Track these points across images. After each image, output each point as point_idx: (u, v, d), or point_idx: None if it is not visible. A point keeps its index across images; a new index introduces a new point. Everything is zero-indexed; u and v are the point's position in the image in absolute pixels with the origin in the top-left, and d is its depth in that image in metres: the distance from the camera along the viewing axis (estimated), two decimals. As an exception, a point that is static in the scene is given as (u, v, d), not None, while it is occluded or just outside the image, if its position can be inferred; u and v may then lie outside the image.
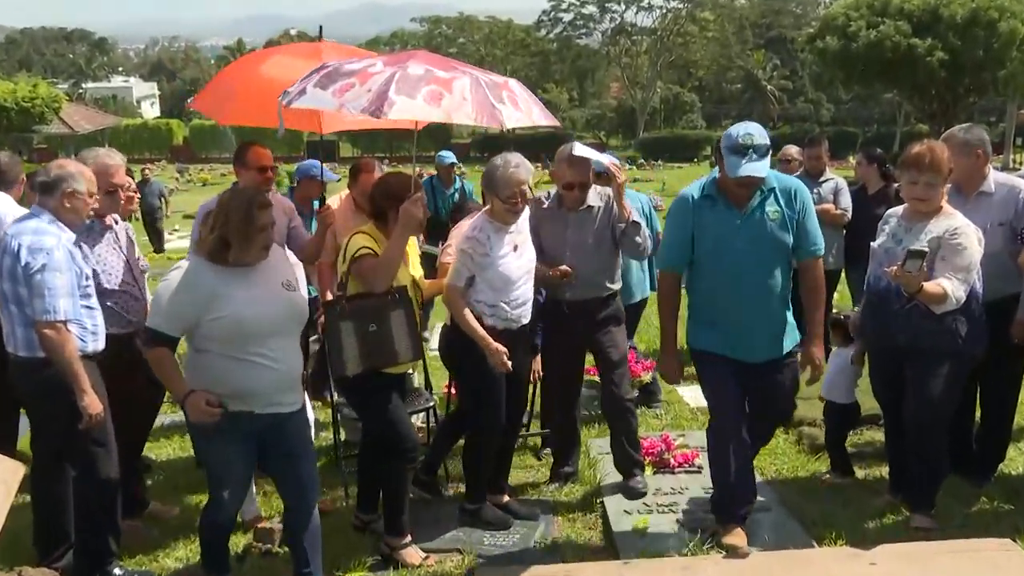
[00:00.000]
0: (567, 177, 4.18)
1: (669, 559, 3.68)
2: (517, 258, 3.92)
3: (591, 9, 56.35)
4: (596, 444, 4.97)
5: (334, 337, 3.64)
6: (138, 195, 4.33)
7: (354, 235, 3.73)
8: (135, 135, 47.49)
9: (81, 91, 59.86)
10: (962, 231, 3.68)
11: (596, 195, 4.26)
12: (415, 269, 3.92)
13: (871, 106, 49.56)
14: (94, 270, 3.71)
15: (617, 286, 4.40)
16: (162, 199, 16.76)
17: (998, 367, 4.06)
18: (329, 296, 4.43)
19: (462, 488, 4.30)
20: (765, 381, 3.71)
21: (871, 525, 4.00)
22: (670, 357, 3.88)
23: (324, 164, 5.29)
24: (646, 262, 5.47)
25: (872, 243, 3.96)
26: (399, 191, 3.70)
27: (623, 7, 55.18)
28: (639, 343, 6.81)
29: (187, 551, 3.96)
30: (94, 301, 3.60)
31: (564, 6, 56.93)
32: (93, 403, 3.38)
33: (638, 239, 4.21)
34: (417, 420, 4.86)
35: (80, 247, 3.58)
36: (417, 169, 4.24)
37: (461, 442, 4.30)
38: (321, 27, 5.12)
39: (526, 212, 3.99)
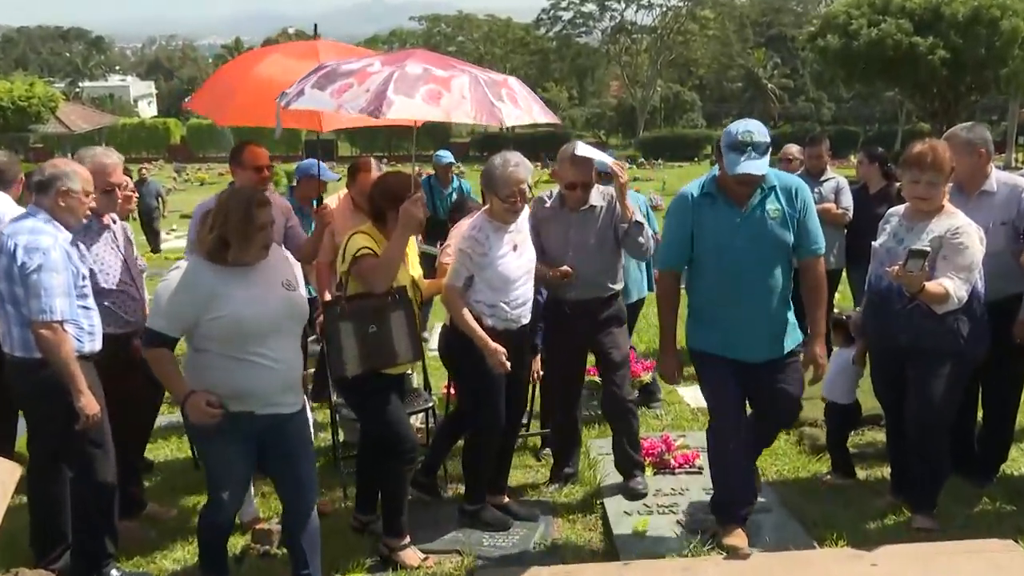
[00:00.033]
0: (570, 177, 4.16)
1: (669, 560, 3.67)
2: (517, 258, 3.90)
3: (591, 7, 56.16)
4: (596, 445, 4.96)
5: (334, 338, 3.62)
6: (136, 195, 4.32)
7: (353, 235, 3.71)
8: (132, 134, 47.32)
9: (78, 90, 59.82)
10: (964, 230, 3.66)
11: (599, 195, 4.24)
12: (414, 269, 3.90)
13: (872, 105, 49.56)
14: (91, 270, 3.69)
15: (619, 286, 4.38)
16: (159, 199, 16.73)
17: (1000, 367, 4.05)
18: (327, 296, 4.41)
19: (461, 489, 4.29)
20: (766, 381, 3.68)
21: (872, 526, 3.98)
22: (669, 357, 3.85)
23: (323, 163, 5.26)
24: (644, 262, 5.45)
25: (873, 243, 3.95)
26: (399, 191, 3.67)
27: (623, 5, 55.00)
28: (638, 343, 6.80)
29: (185, 552, 3.96)
30: (91, 301, 3.58)
31: (564, 4, 56.69)
32: (90, 404, 3.37)
33: (641, 239, 4.19)
34: (416, 421, 4.85)
35: (77, 246, 3.56)
36: (416, 168, 4.21)
37: (460, 443, 4.29)
38: (316, 25, 5.00)
39: (525, 211, 3.98)
